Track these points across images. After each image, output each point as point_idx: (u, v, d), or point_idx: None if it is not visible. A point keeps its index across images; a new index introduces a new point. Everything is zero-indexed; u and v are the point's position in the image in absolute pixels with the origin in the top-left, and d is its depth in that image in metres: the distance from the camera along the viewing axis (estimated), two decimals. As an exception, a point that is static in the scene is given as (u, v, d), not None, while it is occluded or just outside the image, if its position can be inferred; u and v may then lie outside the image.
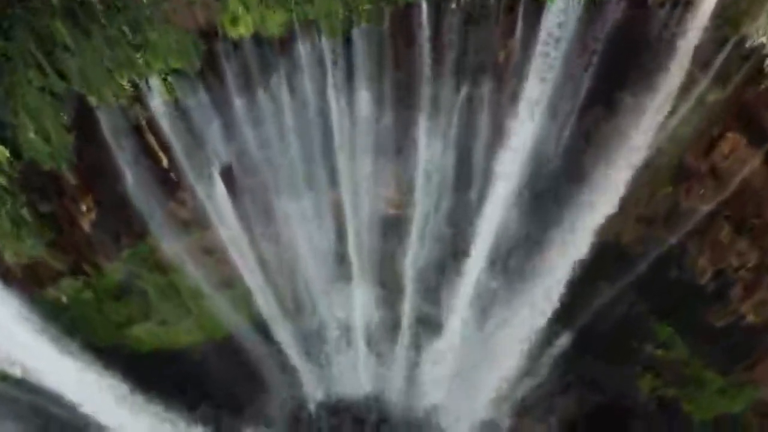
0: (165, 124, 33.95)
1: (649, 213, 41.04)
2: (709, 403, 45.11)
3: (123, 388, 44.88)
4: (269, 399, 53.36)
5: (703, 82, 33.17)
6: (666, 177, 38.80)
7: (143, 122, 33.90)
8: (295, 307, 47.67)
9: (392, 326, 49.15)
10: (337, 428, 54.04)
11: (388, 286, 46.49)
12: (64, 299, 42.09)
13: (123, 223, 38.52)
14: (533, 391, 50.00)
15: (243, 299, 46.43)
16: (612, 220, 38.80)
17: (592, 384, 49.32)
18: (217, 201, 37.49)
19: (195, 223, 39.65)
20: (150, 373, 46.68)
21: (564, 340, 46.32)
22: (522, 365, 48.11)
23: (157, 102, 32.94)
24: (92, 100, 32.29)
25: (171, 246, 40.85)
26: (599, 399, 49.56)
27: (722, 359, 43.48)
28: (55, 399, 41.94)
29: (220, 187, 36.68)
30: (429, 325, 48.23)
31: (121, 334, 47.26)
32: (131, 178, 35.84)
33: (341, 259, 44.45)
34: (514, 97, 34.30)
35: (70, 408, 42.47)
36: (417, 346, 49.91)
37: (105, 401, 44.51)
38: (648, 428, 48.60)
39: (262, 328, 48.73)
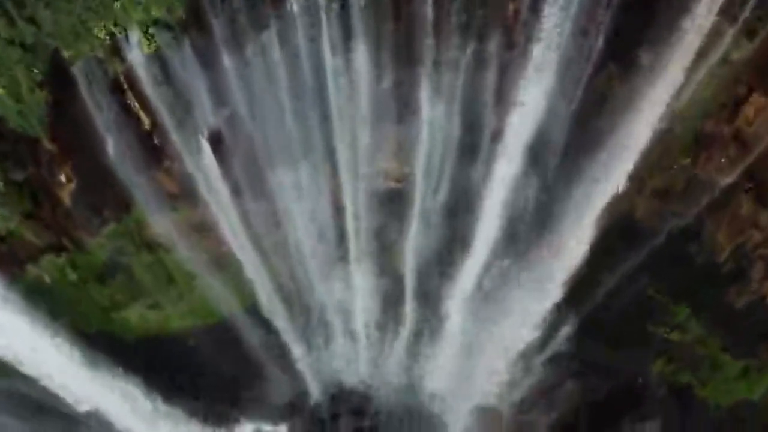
0: (146, 83, 30.63)
1: (665, 185, 38.11)
2: (727, 388, 42.24)
3: (114, 377, 42.22)
4: (266, 387, 50.20)
5: (728, 37, 29.96)
6: (685, 145, 35.75)
7: (123, 80, 30.53)
8: (291, 290, 44.33)
9: (393, 310, 45.84)
10: (336, 417, 50.87)
11: (389, 267, 43.13)
12: (46, 279, 38.89)
13: (105, 195, 35.19)
14: (537, 378, 46.96)
15: (237, 281, 43.26)
16: (625, 193, 35.97)
17: (599, 370, 46.06)
18: (205, 170, 34.10)
19: (183, 195, 36.25)
20: (141, 361, 44.00)
21: (571, 324, 43.09)
22: (527, 351, 45.19)
23: (137, 56, 29.54)
24: (66, 54, 28.92)
25: (158, 221, 37.50)
26: (606, 386, 46.35)
27: (741, 342, 40.71)
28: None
29: (208, 154, 33.28)
30: (432, 308, 44.90)
31: (109, 319, 44.25)
32: (112, 144, 32.55)
33: (339, 237, 41.07)
34: (524, 55, 31.16)
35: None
36: (419, 332, 46.63)
37: (95, 391, 41.50)
38: (658, 415, 45.32)
39: (257, 313, 45.58)
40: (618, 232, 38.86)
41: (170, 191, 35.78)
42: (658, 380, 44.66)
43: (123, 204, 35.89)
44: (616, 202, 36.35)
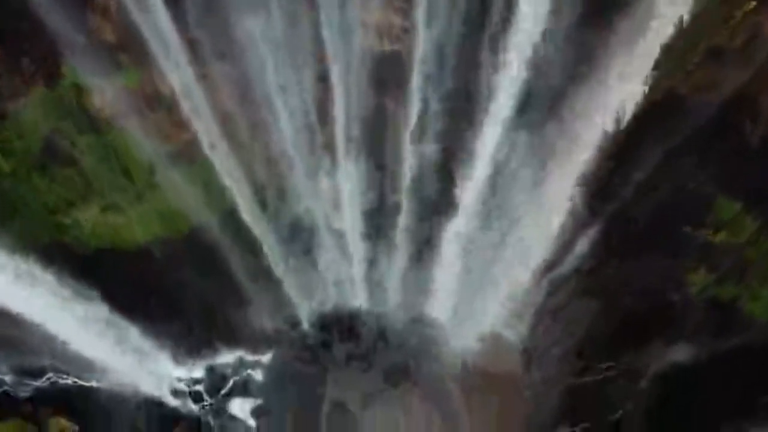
0: None
1: (720, 43, 29.37)
2: (781, 299, 33.95)
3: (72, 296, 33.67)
4: (248, 311, 42.25)
5: None
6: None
7: None
8: (270, 188, 35.93)
9: (390, 215, 37.49)
10: (328, 344, 43.16)
11: (385, 159, 34.71)
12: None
13: (26, 43, 26.43)
14: (553, 298, 39.50)
15: (206, 178, 34.82)
16: (669, 58, 27.31)
17: (624, 285, 37.78)
18: (149, 9, 25.36)
19: (126, 49, 27.52)
20: (102, 276, 35.58)
21: (594, 230, 35.17)
22: (541, 265, 37.72)
23: None
24: None
25: (100, 88, 28.80)
26: (633, 302, 38.18)
27: (804, 241, 32.34)
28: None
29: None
30: (436, 211, 36.61)
31: (60, 224, 35.67)
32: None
33: (324, 118, 32.51)
34: None
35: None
36: (421, 241, 38.30)
37: (50, 315, 33.18)
38: (695, 336, 37.24)
39: (234, 221, 37.19)
40: (656, 108, 30.58)
41: (108, 41, 27.07)
42: (696, 294, 36.69)
43: (51, 59, 27.20)
44: (657, 68, 27.99)
